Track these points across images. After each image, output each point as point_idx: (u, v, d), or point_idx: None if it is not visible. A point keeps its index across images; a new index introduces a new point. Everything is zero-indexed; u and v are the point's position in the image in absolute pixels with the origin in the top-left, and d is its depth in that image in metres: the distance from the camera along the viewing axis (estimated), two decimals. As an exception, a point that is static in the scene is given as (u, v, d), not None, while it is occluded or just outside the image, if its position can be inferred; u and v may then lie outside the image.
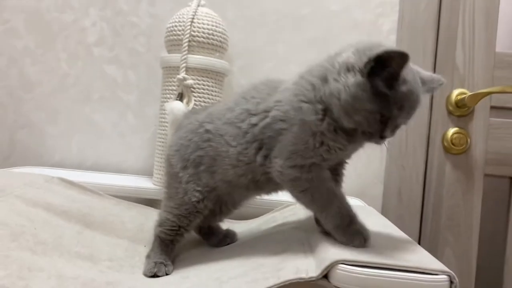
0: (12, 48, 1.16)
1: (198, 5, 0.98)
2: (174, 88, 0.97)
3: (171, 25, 0.98)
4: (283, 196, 0.82)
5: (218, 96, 0.99)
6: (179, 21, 0.97)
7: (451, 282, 0.51)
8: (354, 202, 0.99)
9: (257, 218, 0.96)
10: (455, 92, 1.04)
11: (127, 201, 0.94)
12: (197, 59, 0.95)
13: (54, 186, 0.89)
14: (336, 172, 0.69)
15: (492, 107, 1.05)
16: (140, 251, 0.77)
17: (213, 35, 0.97)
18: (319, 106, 0.59)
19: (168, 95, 0.98)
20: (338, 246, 0.58)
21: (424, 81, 0.61)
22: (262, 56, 1.14)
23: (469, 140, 1.05)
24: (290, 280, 0.52)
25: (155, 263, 0.69)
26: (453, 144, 1.05)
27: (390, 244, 0.61)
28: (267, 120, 0.64)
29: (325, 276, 0.53)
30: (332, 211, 0.62)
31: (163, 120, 1.00)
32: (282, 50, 1.14)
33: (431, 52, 1.08)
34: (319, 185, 0.62)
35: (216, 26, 0.98)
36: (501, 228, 1.09)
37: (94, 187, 0.94)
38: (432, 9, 1.08)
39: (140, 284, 0.65)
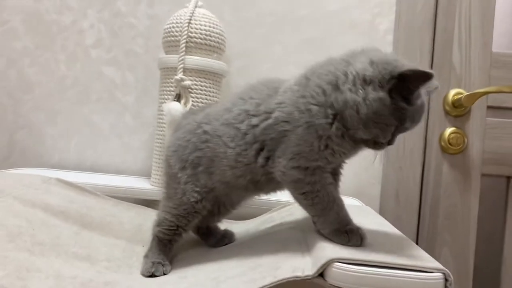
0: (11, 49, 1.16)
1: (196, 6, 0.99)
2: (171, 89, 0.97)
3: (168, 26, 0.99)
4: (281, 196, 0.83)
5: (215, 97, 0.99)
6: (177, 22, 0.97)
7: (446, 280, 0.51)
8: (351, 202, 1.00)
9: (255, 218, 0.96)
10: (452, 92, 1.05)
11: (125, 202, 0.94)
12: (195, 60, 0.96)
13: (52, 187, 0.89)
14: (334, 172, 0.69)
15: (489, 107, 1.06)
16: (138, 252, 0.77)
17: (210, 36, 0.97)
18: (330, 111, 0.59)
19: (166, 96, 0.98)
20: (334, 245, 0.59)
21: None
22: (260, 57, 1.14)
23: (466, 140, 1.05)
24: (286, 278, 0.52)
25: (153, 263, 0.69)
26: (450, 144, 1.05)
27: (386, 243, 0.61)
28: (269, 121, 0.63)
29: (322, 274, 0.53)
30: (330, 217, 0.62)
31: (161, 121, 1.00)
32: (280, 51, 1.14)
33: (427, 52, 1.08)
34: (321, 189, 0.62)
35: (214, 27, 0.98)
36: (498, 228, 1.09)
37: (92, 188, 0.94)
38: (428, 9, 1.08)
39: (137, 284, 0.65)
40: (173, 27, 0.97)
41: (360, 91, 0.57)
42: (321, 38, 1.13)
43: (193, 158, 0.70)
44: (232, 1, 1.14)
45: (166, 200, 0.74)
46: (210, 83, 0.98)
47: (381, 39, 1.12)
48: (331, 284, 0.52)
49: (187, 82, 0.94)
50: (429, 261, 0.54)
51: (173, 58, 0.96)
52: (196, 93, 0.96)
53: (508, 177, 1.07)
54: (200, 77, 0.96)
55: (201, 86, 0.96)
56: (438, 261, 1.05)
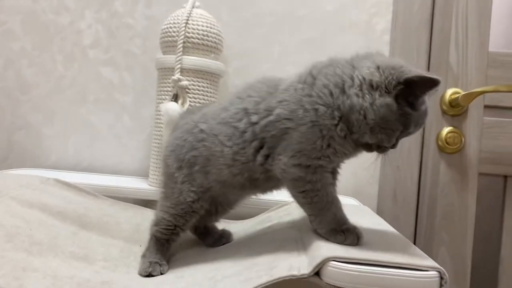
0: (8, 49, 1.16)
1: (193, 7, 0.99)
2: (169, 89, 0.97)
3: (165, 26, 0.99)
4: (278, 196, 0.83)
5: (213, 97, 0.99)
6: (174, 23, 0.97)
7: (441, 278, 0.51)
8: (349, 201, 1.00)
9: (252, 218, 0.96)
10: (449, 91, 1.05)
11: (122, 202, 0.95)
12: (192, 60, 0.96)
13: (50, 187, 0.89)
14: (332, 171, 0.69)
15: (486, 106, 1.06)
16: (135, 251, 0.77)
17: (207, 36, 0.97)
18: (336, 113, 0.59)
19: (163, 96, 0.99)
20: (331, 244, 0.59)
21: None
22: (258, 57, 1.14)
23: (463, 139, 1.05)
24: (282, 277, 0.53)
25: (150, 262, 0.70)
26: (447, 143, 1.05)
27: (382, 242, 0.61)
28: (270, 118, 0.63)
29: (318, 273, 0.53)
30: (327, 217, 0.62)
31: (158, 121, 1.00)
32: (278, 51, 1.14)
33: (424, 52, 1.08)
34: (321, 189, 0.62)
35: (211, 27, 0.98)
36: (496, 227, 1.09)
37: (90, 188, 0.94)
38: (425, 9, 1.09)
39: (135, 284, 0.65)
40: (170, 27, 0.98)
41: (367, 96, 0.57)
42: (319, 38, 1.13)
43: (189, 157, 0.70)
44: (230, 1, 1.14)
45: (163, 200, 0.74)
46: (207, 83, 0.98)
47: (378, 39, 1.12)
48: (327, 283, 0.52)
49: (185, 82, 0.95)
50: (424, 260, 0.54)
51: (170, 59, 0.96)
52: (194, 93, 0.96)
53: (505, 176, 1.07)
54: (197, 77, 0.97)
55: (199, 86, 0.97)
56: (436, 261, 1.05)
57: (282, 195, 0.83)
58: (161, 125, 0.97)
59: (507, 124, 1.06)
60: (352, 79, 0.59)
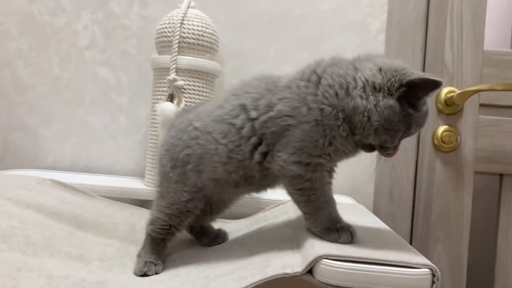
0: (5, 50, 1.17)
1: (188, 7, 0.99)
2: (165, 89, 0.97)
3: (161, 26, 0.99)
4: (274, 195, 0.83)
5: (208, 97, 1.00)
6: (169, 23, 0.98)
7: (433, 275, 0.51)
8: (345, 200, 1.00)
9: (248, 218, 0.97)
10: (444, 90, 1.05)
11: (118, 202, 0.95)
12: (187, 60, 0.96)
13: (46, 188, 0.89)
14: (329, 169, 0.69)
15: (481, 105, 1.06)
16: (131, 251, 0.77)
17: (203, 36, 0.98)
18: (341, 114, 0.60)
19: (159, 96, 0.99)
20: (324, 242, 0.59)
21: None
22: (254, 57, 1.14)
23: (458, 138, 1.06)
24: (276, 275, 0.53)
25: (145, 262, 0.70)
26: (443, 142, 1.06)
27: (375, 240, 0.62)
28: (271, 114, 0.63)
29: (311, 271, 0.53)
30: (322, 216, 0.63)
31: (154, 121, 1.00)
32: (274, 51, 1.14)
33: (420, 51, 1.09)
34: (319, 188, 0.62)
35: (206, 28, 0.99)
36: (491, 225, 1.10)
37: (86, 188, 0.94)
38: (420, 8, 1.09)
39: (130, 283, 0.65)
40: (166, 27, 0.98)
41: (371, 98, 0.58)
42: (314, 38, 1.14)
43: (183, 156, 0.70)
44: (226, 1, 1.14)
45: (159, 199, 0.74)
46: (203, 83, 0.98)
47: (373, 38, 1.12)
48: (319, 281, 0.52)
49: (180, 82, 0.95)
50: (416, 257, 0.54)
51: (165, 59, 0.97)
52: (189, 93, 0.96)
53: (501, 175, 1.08)
54: (193, 77, 0.97)
55: (194, 86, 0.97)
56: (432, 259, 1.06)
57: (277, 194, 0.84)
58: (157, 125, 0.97)
59: (503, 122, 1.07)
60: (355, 80, 0.59)
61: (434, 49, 1.08)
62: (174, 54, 0.95)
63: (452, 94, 1.03)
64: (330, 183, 0.67)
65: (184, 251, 0.80)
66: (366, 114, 0.58)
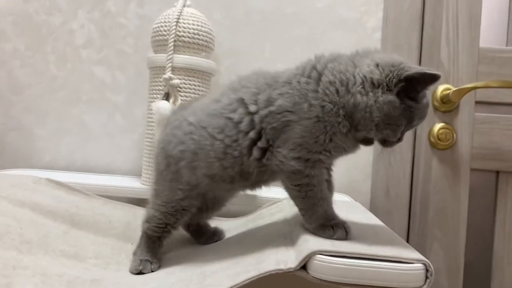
0: (0, 50, 1.16)
1: (184, 6, 0.99)
2: (161, 88, 0.97)
3: (157, 25, 0.99)
4: (270, 193, 0.83)
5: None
6: (165, 22, 0.98)
7: (427, 270, 0.51)
8: (341, 198, 1.00)
9: (244, 216, 0.97)
10: (440, 88, 1.06)
11: (114, 201, 0.95)
12: (183, 58, 0.96)
13: (41, 187, 0.89)
14: (326, 167, 0.69)
15: (477, 102, 1.06)
16: (127, 249, 0.77)
17: (198, 34, 0.98)
18: (341, 111, 0.60)
19: (155, 95, 0.99)
20: (318, 238, 0.59)
21: None
22: (249, 55, 1.14)
23: (455, 135, 1.06)
24: (269, 271, 0.53)
25: (141, 260, 0.70)
26: (439, 139, 1.06)
27: (370, 236, 0.62)
28: (271, 108, 0.62)
29: (305, 267, 0.53)
30: (318, 212, 0.63)
31: (150, 120, 1.00)
32: (269, 49, 1.15)
33: (415, 48, 1.09)
34: (317, 184, 0.62)
35: (202, 26, 0.99)
36: (488, 222, 1.10)
37: (83, 187, 0.94)
38: (416, 6, 1.09)
39: (125, 281, 0.65)
40: (161, 26, 0.98)
41: (371, 94, 0.58)
42: (309, 36, 1.14)
43: (176, 152, 0.69)
44: (221, 0, 1.14)
45: (155, 197, 0.74)
46: (199, 82, 0.98)
47: (369, 36, 1.12)
48: (313, 277, 0.52)
49: (176, 81, 0.95)
50: (410, 252, 0.54)
51: (161, 57, 0.97)
52: (185, 92, 0.96)
53: (497, 172, 1.08)
54: (188, 76, 0.97)
55: (190, 84, 0.97)
56: (429, 256, 1.06)
57: (273, 192, 0.84)
58: (153, 124, 0.97)
59: (499, 119, 1.07)
60: (354, 77, 0.59)
61: (430, 47, 1.08)
62: (169, 53, 0.95)
63: (448, 91, 1.03)
64: (328, 180, 0.67)
65: (181, 249, 0.80)
66: (367, 110, 0.58)
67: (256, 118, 0.63)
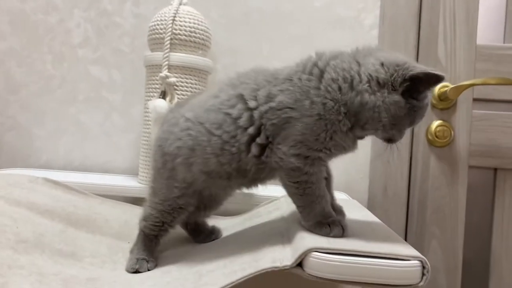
0: (-3, 50, 1.16)
1: (180, 4, 0.99)
2: (157, 86, 0.97)
3: (153, 24, 0.99)
4: (268, 191, 0.83)
5: (201, 94, 0.99)
6: (161, 20, 0.97)
7: (423, 267, 0.51)
8: (339, 196, 1.00)
9: (242, 214, 0.96)
10: (438, 85, 1.05)
11: (111, 200, 0.94)
12: (180, 57, 0.96)
13: (38, 186, 0.89)
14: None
15: (475, 100, 1.06)
16: (123, 248, 0.77)
17: (195, 33, 0.97)
18: (343, 109, 0.60)
19: (151, 94, 0.98)
20: (314, 235, 0.59)
21: None
22: (246, 54, 1.14)
23: (452, 132, 1.06)
24: (265, 269, 0.53)
25: (137, 259, 0.69)
26: (437, 137, 1.06)
27: (366, 233, 0.62)
28: (272, 104, 0.62)
29: (301, 265, 0.53)
30: (315, 210, 0.63)
31: (147, 119, 1.00)
32: (266, 48, 1.14)
33: (413, 46, 1.09)
34: (315, 182, 0.62)
35: (198, 24, 0.98)
36: (486, 220, 1.10)
37: (80, 187, 0.94)
38: (413, 3, 1.09)
39: (121, 280, 0.65)
40: (158, 24, 0.98)
41: (378, 94, 0.58)
42: (307, 34, 1.13)
43: (173, 149, 0.68)
44: (218, -2, 1.14)
45: (152, 196, 0.74)
46: (195, 80, 0.98)
47: (366, 34, 1.12)
48: (309, 274, 0.52)
49: (172, 79, 0.95)
50: (406, 249, 0.54)
51: (158, 56, 0.96)
52: (182, 90, 0.96)
53: (495, 169, 1.08)
54: (185, 74, 0.96)
55: (187, 83, 0.97)
56: (427, 254, 1.06)
57: (271, 190, 0.83)
58: (150, 123, 0.97)
59: (496, 116, 1.07)
60: (359, 75, 0.59)
61: (427, 44, 1.08)
62: (166, 51, 0.95)
63: (445, 88, 1.03)
64: (327, 178, 0.67)
65: (178, 248, 0.80)
66: (376, 110, 0.58)
67: (256, 114, 0.63)
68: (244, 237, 0.75)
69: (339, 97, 0.59)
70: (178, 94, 0.95)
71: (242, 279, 0.53)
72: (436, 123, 1.06)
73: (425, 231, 1.07)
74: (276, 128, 0.62)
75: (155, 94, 0.97)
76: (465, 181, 1.06)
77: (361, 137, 0.64)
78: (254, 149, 0.63)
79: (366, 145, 1.07)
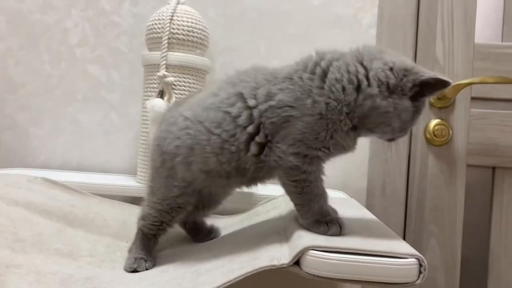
0: (-6, 50, 1.16)
1: (178, 3, 0.99)
2: (155, 86, 0.97)
3: (151, 23, 0.99)
4: (266, 190, 0.83)
5: (200, 93, 0.99)
6: (159, 19, 0.97)
7: (420, 265, 0.51)
8: (337, 195, 1.00)
9: (240, 213, 0.96)
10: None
11: (109, 199, 0.94)
12: (177, 56, 0.96)
13: (36, 186, 0.89)
14: None
15: (473, 98, 1.06)
16: (122, 247, 0.77)
17: (193, 32, 0.97)
18: (345, 109, 0.60)
19: (149, 93, 0.98)
20: (311, 234, 0.59)
21: None
22: (244, 53, 1.14)
23: (450, 131, 1.06)
24: (263, 267, 0.53)
25: (135, 258, 0.69)
26: (435, 135, 1.06)
27: (363, 231, 0.61)
28: (271, 102, 0.61)
29: (298, 263, 0.53)
30: (314, 208, 0.63)
31: (145, 118, 1.00)
32: (264, 47, 1.14)
33: (411, 45, 1.09)
34: (314, 181, 0.62)
35: (196, 23, 0.98)
36: (484, 218, 1.10)
37: (78, 186, 0.94)
38: (411, 2, 1.09)
39: (119, 279, 0.65)
40: (155, 24, 0.98)
41: (390, 99, 0.59)
42: (305, 33, 1.13)
43: (172, 148, 0.68)
44: (216, -3, 1.14)
45: (150, 195, 0.74)
46: (193, 79, 0.98)
47: (364, 33, 1.12)
48: (306, 272, 0.52)
49: (170, 79, 0.95)
50: (403, 247, 0.54)
51: (156, 55, 0.96)
52: (180, 89, 0.96)
53: (493, 168, 1.08)
54: (183, 73, 0.96)
55: (185, 82, 0.97)
56: (426, 253, 1.06)
57: (269, 189, 0.83)
58: (148, 122, 0.97)
59: (494, 115, 1.07)
60: (368, 79, 0.60)
61: (425, 43, 1.08)
62: (164, 50, 0.95)
63: (443, 87, 1.03)
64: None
65: (176, 247, 0.80)
66: (387, 116, 0.59)
67: (255, 112, 0.63)
68: (242, 236, 0.75)
69: (343, 97, 0.60)
70: (176, 94, 0.95)
71: (240, 278, 0.53)
72: (434, 122, 1.06)
73: (423, 229, 1.07)
74: (275, 127, 0.62)
75: (153, 93, 0.97)
76: (463, 179, 1.06)
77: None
78: (253, 148, 0.63)
79: (364, 143, 1.07)
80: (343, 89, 0.60)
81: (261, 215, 0.86)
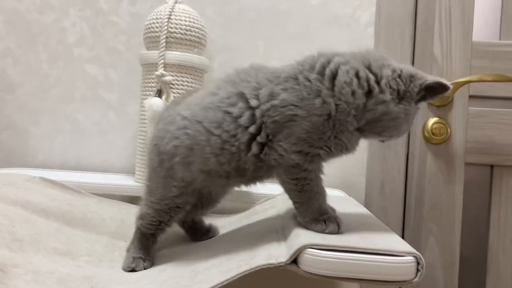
0: (-8, 50, 1.16)
1: (176, 2, 0.99)
2: (153, 85, 0.97)
3: (149, 22, 0.99)
4: (264, 189, 0.83)
5: (198, 92, 0.99)
6: (157, 18, 0.97)
7: (418, 263, 0.51)
8: (335, 193, 1.00)
9: (239, 212, 0.96)
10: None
11: (107, 199, 0.94)
12: (175, 55, 0.96)
13: (34, 186, 0.89)
14: None
15: (471, 96, 1.06)
16: (120, 246, 0.77)
17: (190, 31, 0.97)
18: (353, 111, 0.60)
19: (147, 92, 0.98)
20: (309, 232, 0.59)
21: None
22: (242, 52, 1.14)
23: (449, 129, 1.06)
24: (261, 266, 0.53)
25: (134, 258, 0.69)
26: (433, 134, 1.06)
27: (361, 229, 0.62)
28: (274, 102, 0.61)
29: (296, 261, 0.53)
30: (312, 206, 0.63)
31: (143, 117, 1.00)
32: (262, 46, 1.14)
33: (409, 43, 1.09)
34: (314, 179, 0.62)
35: (194, 22, 0.98)
36: (483, 216, 1.10)
37: (77, 186, 0.94)
38: (409, 1, 1.09)
39: (117, 278, 0.65)
40: (153, 23, 0.98)
41: (401, 105, 0.61)
42: (303, 32, 1.13)
43: (170, 148, 0.67)
44: (214, -4, 1.14)
45: (148, 195, 0.73)
46: (191, 78, 0.98)
47: (362, 31, 1.12)
48: (304, 271, 0.52)
49: (168, 78, 0.94)
50: (401, 245, 0.54)
51: (153, 54, 0.96)
52: (178, 89, 0.96)
53: (492, 166, 1.08)
54: (181, 72, 0.96)
55: (182, 81, 0.96)
56: (425, 251, 1.06)
57: (268, 188, 0.83)
58: (146, 121, 0.97)
59: (492, 113, 1.07)
60: (379, 86, 0.61)
61: (423, 42, 1.08)
62: (161, 49, 0.95)
63: (441, 85, 1.03)
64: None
65: (175, 246, 0.80)
66: (398, 121, 0.62)
67: (257, 112, 0.62)
68: (240, 235, 0.75)
69: (352, 100, 0.60)
70: (174, 93, 0.95)
71: (237, 276, 0.53)
72: (432, 120, 1.06)
73: (422, 227, 1.07)
74: (277, 126, 0.61)
75: (151, 92, 0.97)
76: (461, 178, 1.06)
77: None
78: (255, 148, 0.63)
79: (363, 142, 1.07)
80: (353, 92, 0.60)
81: (259, 214, 0.86)
